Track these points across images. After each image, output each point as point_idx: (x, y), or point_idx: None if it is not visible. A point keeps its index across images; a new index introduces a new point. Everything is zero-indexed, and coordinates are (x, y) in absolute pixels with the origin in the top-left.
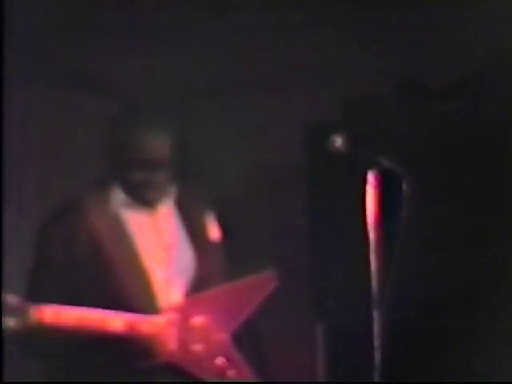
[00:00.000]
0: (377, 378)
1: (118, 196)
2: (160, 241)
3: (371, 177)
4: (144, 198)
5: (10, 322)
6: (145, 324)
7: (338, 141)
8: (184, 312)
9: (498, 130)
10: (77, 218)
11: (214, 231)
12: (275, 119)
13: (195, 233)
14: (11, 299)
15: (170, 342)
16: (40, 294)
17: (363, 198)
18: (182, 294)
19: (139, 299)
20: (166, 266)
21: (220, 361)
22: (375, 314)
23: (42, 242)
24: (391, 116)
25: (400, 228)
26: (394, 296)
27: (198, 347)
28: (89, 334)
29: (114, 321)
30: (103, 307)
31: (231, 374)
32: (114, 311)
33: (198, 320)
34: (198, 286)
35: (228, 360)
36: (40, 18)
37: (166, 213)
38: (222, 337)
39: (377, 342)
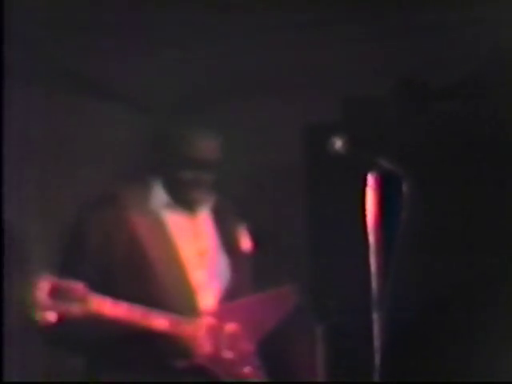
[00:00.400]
0: (376, 379)
1: (159, 195)
2: (197, 245)
3: (371, 178)
4: (188, 198)
5: (74, 309)
6: (186, 325)
7: (338, 142)
8: (219, 318)
9: (498, 130)
10: (116, 212)
11: (246, 242)
12: (275, 120)
13: (229, 242)
14: (75, 285)
15: (206, 346)
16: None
17: (363, 200)
18: (216, 300)
19: (177, 300)
20: (202, 271)
21: (248, 370)
22: (375, 316)
23: (81, 232)
24: (391, 117)
25: (400, 229)
26: (394, 297)
27: (228, 354)
28: (133, 329)
29: (159, 318)
30: (138, 303)
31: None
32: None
33: (230, 327)
34: (227, 294)
35: (253, 369)
36: (40, 18)
37: (205, 219)
38: (250, 346)
39: (377, 343)
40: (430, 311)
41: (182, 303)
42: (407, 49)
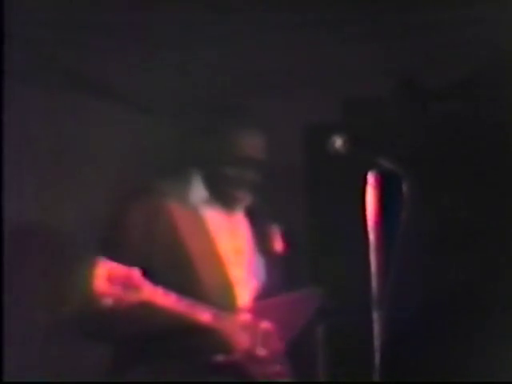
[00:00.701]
0: (376, 379)
1: (198, 190)
2: (233, 244)
3: (371, 178)
4: (229, 196)
5: (128, 295)
6: (227, 320)
7: (338, 142)
8: (255, 315)
9: (498, 130)
10: (156, 203)
11: (278, 244)
12: (275, 120)
13: (263, 242)
14: (131, 271)
15: (242, 342)
16: None
17: (363, 199)
18: (251, 298)
19: (215, 295)
20: (239, 269)
21: (278, 369)
22: (375, 315)
23: (123, 220)
24: (391, 117)
25: (400, 229)
26: (394, 297)
27: (262, 352)
28: (178, 320)
29: (203, 311)
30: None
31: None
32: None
33: (264, 325)
34: (261, 293)
35: (282, 369)
36: (40, 18)
37: (240, 218)
38: (281, 345)
39: (377, 343)
40: (430, 310)
41: (221, 298)
42: (408, 49)
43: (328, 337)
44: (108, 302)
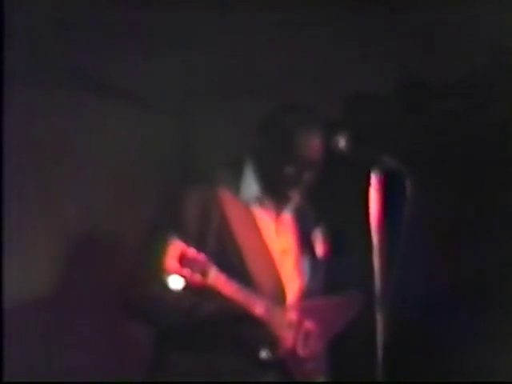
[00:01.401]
0: (379, 377)
1: (251, 186)
2: (280, 244)
3: (374, 177)
4: (282, 195)
5: (195, 278)
6: (278, 315)
7: (341, 140)
8: (301, 314)
9: (501, 128)
10: (211, 195)
11: (321, 247)
12: None
13: (307, 244)
14: (199, 255)
15: (287, 340)
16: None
17: (366, 198)
18: (296, 297)
19: (266, 290)
20: (285, 269)
21: (315, 369)
22: (378, 315)
23: (181, 208)
24: (394, 116)
25: (403, 227)
26: (397, 295)
27: (304, 351)
28: (235, 309)
29: (258, 304)
30: None
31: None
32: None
33: (308, 325)
34: (305, 294)
35: (320, 370)
36: (40, 17)
37: (288, 218)
38: (320, 346)
39: (380, 341)
40: (432, 309)
41: (270, 294)
42: (410, 47)
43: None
44: (179, 282)
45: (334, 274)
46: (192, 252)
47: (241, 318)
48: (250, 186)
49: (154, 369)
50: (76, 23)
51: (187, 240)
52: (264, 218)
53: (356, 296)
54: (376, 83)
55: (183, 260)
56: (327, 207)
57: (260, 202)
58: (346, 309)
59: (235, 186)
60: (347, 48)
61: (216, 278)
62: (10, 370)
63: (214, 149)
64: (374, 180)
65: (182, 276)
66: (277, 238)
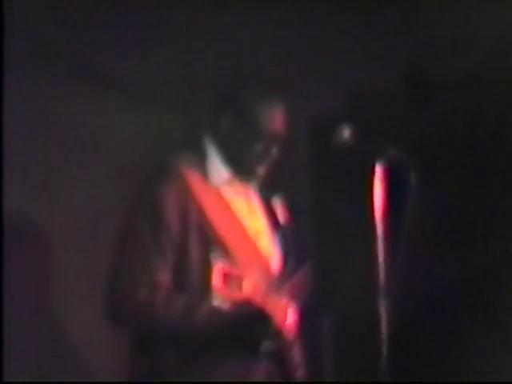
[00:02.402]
0: (383, 368)
1: (218, 170)
2: (254, 224)
3: (378, 169)
4: (252, 173)
5: (234, 295)
6: (275, 302)
7: (346, 132)
8: (289, 294)
9: (504, 120)
10: (181, 186)
11: (283, 217)
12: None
13: (272, 218)
14: (236, 272)
15: (284, 326)
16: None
17: (370, 190)
18: (281, 277)
19: (256, 275)
20: (265, 248)
21: (296, 350)
22: (382, 306)
23: (159, 205)
24: (399, 107)
25: (407, 219)
26: (401, 287)
27: (290, 334)
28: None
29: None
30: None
31: (298, 362)
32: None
33: (292, 306)
34: (284, 272)
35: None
36: (40, 14)
37: (254, 196)
38: (299, 326)
39: (384, 333)
40: (436, 301)
41: (260, 278)
42: (414, 40)
43: (335, 327)
44: (225, 303)
45: (301, 244)
46: (229, 268)
47: (241, 312)
48: (218, 168)
49: (151, 368)
50: (76, 20)
51: (171, 238)
52: (235, 198)
53: (308, 267)
54: (380, 75)
55: (224, 279)
56: (282, 176)
57: (229, 184)
58: (306, 283)
59: (202, 170)
60: (351, 41)
61: (248, 287)
62: (9, 369)
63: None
64: (379, 171)
65: (225, 295)
66: (250, 218)
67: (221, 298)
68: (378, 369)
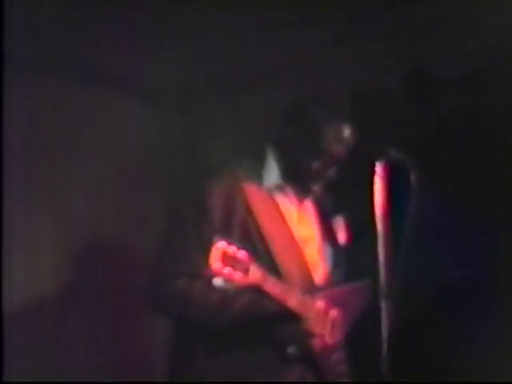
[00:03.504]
0: (383, 369)
1: (273, 177)
2: (302, 232)
3: (379, 168)
4: (305, 188)
5: (236, 277)
6: (309, 306)
7: (347, 132)
8: (328, 302)
9: (506, 120)
10: (234, 183)
11: (343, 234)
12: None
13: (328, 232)
14: (240, 253)
15: (318, 330)
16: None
17: (371, 189)
18: (323, 284)
19: (295, 279)
20: (309, 255)
21: (336, 358)
22: (383, 305)
23: (205, 198)
24: (399, 108)
25: (408, 219)
26: (402, 287)
27: (331, 340)
28: (272, 305)
29: (291, 296)
30: None
31: (341, 370)
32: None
33: (333, 313)
34: (327, 282)
35: (341, 359)
36: (41, 12)
37: (309, 206)
38: (342, 335)
39: (384, 332)
40: (437, 301)
41: (297, 283)
42: (416, 40)
43: None
44: (218, 282)
45: (355, 261)
46: (233, 250)
47: (272, 312)
48: (273, 174)
49: (178, 366)
50: (78, 19)
51: (214, 232)
52: (286, 205)
53: (369, 283)
54: (381, 76)
55: (225, 259)
56: (344, 197)
57: (282, 189)
58: (361, 296)
59: (257, 174)
60: (353, 42)
61: (256, 274)
62: (9, 370)
63: (230, 141)
64: (380, 172)
65: (224, 276)
66: (299, 226)
67: (220, 278)
68: (379, 368)
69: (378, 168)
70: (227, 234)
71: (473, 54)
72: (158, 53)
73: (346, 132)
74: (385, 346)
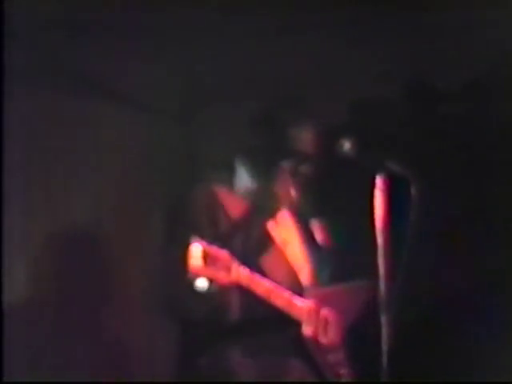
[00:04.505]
0: (384, 379)
1: (246, 184)
2: (282, 234)
3: (379, 181)
4: (279, 189)
5: (220, 276)
6: (297, 305)
7: (347, 144)
8: (318, 302)
9: (508, 132)
10: (212, 194)
11: (320, 236)
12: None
13: (306, 234)
14: (221, 252)
15: (308, 328)
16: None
17: (371, 202)
18: (309, 285)
19: (282, 281)
20: (292, 258)
21: (335, 358)
22: (383, 318)
23: (190, 208)
24: (400, 119)
25: (408, 232)
26: (402, 299)
27: (325, 340)
28: (261, 304)
29: (279, 295)
30: None
31: (343, 372)
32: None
33: (325, 313)
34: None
35: (340, 359)
36: (41, 17)
37: (285, 211)
38: (339, 336)
39: (384, 345)
40: (437, 314)
41: (284, 284)
42: (417, 51)
43: None
44: (203, 281)
45: (340, 263)
46: (214, 249)
47: (263, 313)
48: (246, 182)
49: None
50: (77, 24)
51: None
52: (262, 210)
53: (365, 283)
54: (381, 88)
55: (206, 259)
56: (327, 200)
57: (257, 196)
58: (356, 296)
59: (231, 183)
60: (352, 53)
61: (239, 272)
62: (9, 369)
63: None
64: (380, 184)
65: (207, 275)
66: (278, 229)
67: (202, 277)
68: (379, 379)
69: (379, 181)
70: (207, 237)
71: (473, 64)
72: (156, 63)
73: (311, 129)
74: (385, 359)
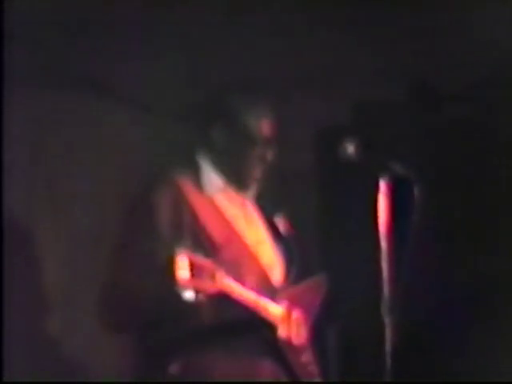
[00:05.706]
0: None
1: (212, 179)
2: (252, 234)
3: (383, 183)
4: (245, 176)
5: (206, 286)
6: (272, 310)
7: (350, 147)
8: (289, 303)
9: (510, 133)
10: (178, 196)
11: (286, 231)
12: (286, 124)
13: (273, 230)
14: (206, 262)
15: (282, 331)
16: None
17: (375, 204)
18: (281, 285)
19: (254, 283)
20: (264, 256)
21: (306, 358)
22: (386, 321)
23: (151, 214)
24: (403, 121)
25: (411, 234)
26: (405, 302)
27: (297, 341)
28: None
29: (258, 302)
30: None
31: (312, 370)
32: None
33: (295, 314)
34: (283, 281)
35: (310, 359)
36: (41, 17)
37: (251, 206)
38: (307, 335)
39: (388, 348)
40: (441, 315)
41: (256, 286)
42: (419, 53)
43: (340, 341)
44: (191, 292)
45: (305, 258)
46: (199, 259)
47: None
48: (212, 178)
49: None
50: (77, 25)
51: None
52: (231, 208)
53: (324, 278)
54: (384, 90)
55: (193, 269)
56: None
57: (224, 192)
58: (316, 292)
59: (196, 179)
60: (356, 55)
61: (223, 280)
62: (9, 369)
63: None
64: (383, 186)
65: (194, 287)
66: (248, 228)
67: (190, 289)
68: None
69: (382, 182)
70: (181, 244)
71: (476, 67)
72: (158, 64)
73: (268, 113)
74: (388, 362)
